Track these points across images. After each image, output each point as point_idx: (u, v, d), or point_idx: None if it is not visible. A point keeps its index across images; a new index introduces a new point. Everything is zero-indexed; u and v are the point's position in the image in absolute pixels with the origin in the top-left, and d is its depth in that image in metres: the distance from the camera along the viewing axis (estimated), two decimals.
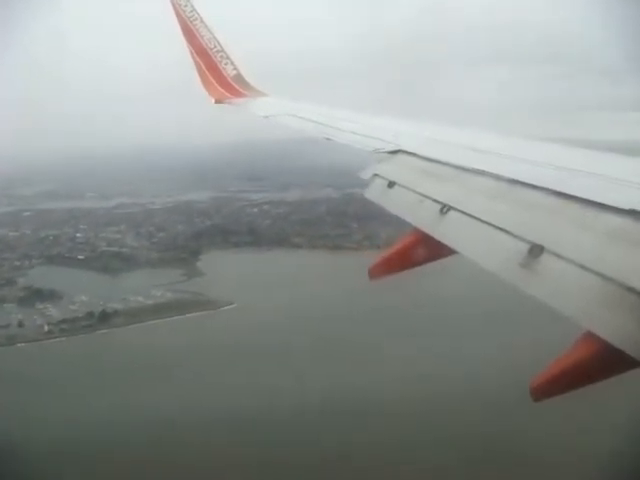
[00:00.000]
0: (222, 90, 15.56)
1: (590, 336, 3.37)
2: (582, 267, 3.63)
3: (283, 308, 75.58)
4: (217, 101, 15.58)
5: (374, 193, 6.57)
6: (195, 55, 15.48)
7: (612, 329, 3.22)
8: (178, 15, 15.23)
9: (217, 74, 15.56)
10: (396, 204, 6.15)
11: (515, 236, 4.27)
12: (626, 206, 3.85)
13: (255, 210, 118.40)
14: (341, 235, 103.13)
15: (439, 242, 5.02)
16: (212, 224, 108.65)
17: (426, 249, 5.30)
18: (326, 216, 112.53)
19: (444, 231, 5.05)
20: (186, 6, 15.18)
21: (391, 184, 6.39)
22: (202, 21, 15.26)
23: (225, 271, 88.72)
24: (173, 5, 15.20)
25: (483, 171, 5.52)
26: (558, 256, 3.85)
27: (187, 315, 74.16)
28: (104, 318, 72.10)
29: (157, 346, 64.92)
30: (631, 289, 3.23)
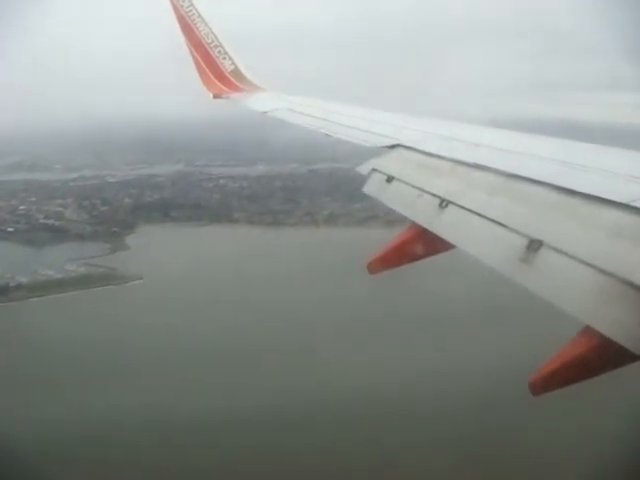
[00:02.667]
0: (220, 85, 15.75)
1: (589, 330, 3.36)
2: (581, 262, 3.60)
3: (190, 283, 74.64)
4: (215, 96, 15.73)
5: (372, 188, 6.56)
6: (193, 50, 15.62)
7: (611, 323, 3.20)
8: (176, 10, 15.35)
9: (215, 69, 15.72)
10: (394, 199, 6.17)
11: (514, 230, 4.25)
12: (625, 200, 3.83)
13: (211, 185, 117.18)
14: (284, 211, 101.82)
15: (438, 237, 5.03)
16: (160, 198, 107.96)
17: (425, 244, 5.34)
18: (279, 191, 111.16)
19: (443, 226, 5.07)
20: (184, 1, 15.30)
21: (389, 179, 6.36)
22: (200, 16, 15.42)
23: (151, 246, 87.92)
24: (171, 0, 15.33)
25: (482, 165, 5.50)
26: (557, 251, 3.82)
27: (89, 290, 73.56)
28: (3, 291, 71.94)
29: (40, 320, 64.49)
30: (630, 284, 3.20)
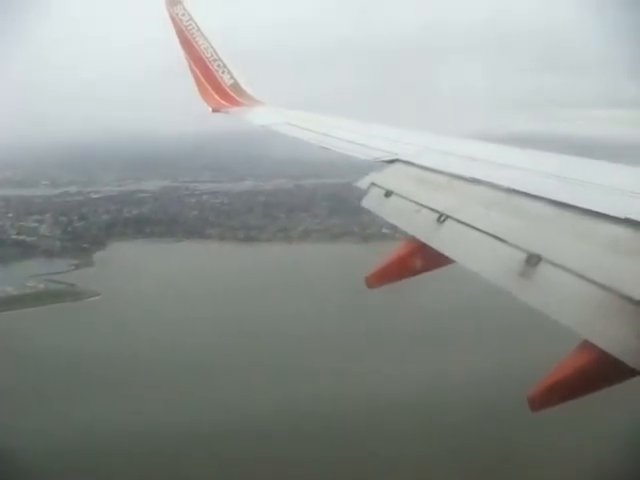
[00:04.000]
0: (219, 99, 15.76)
1: (588, 345, 3.38)
2: (580, 276, 3.63)
3: (147, 299, 73.68)
4: (214, 110, 15.74)
5: (371, 202, 6.57)
6: (192, 64, 15.67)
7: (610, 338, 3.22)
8: (175, 24, 15.42)
9: (214, 83, 15.74)
10: (393, 213, 6.18)
11: (512, 245, 4.28)
12: (623, 215, 3.85)
13: (193, 200, 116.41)
14: (259, 227, 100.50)
15: (436, 251, 5.04)
16: (138, 214, 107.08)
17: (423, 258, 5.36)
18: (259, 207, 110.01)
19: (441, 240, 5.08)
20: (183, 15, 15.35)
21: (388, 193, 6.40)
22: (199, 30, 15.51)
23: (117, 262, 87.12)
24: (170, 14, 15.38)
25: (480, 180, 5.55)
26: (555, 265, 3.85)
27: (43, 307, 72.52)
28: None
29: None
30: (629, 298, 3.23)
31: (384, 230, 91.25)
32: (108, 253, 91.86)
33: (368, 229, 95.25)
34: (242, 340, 61.94)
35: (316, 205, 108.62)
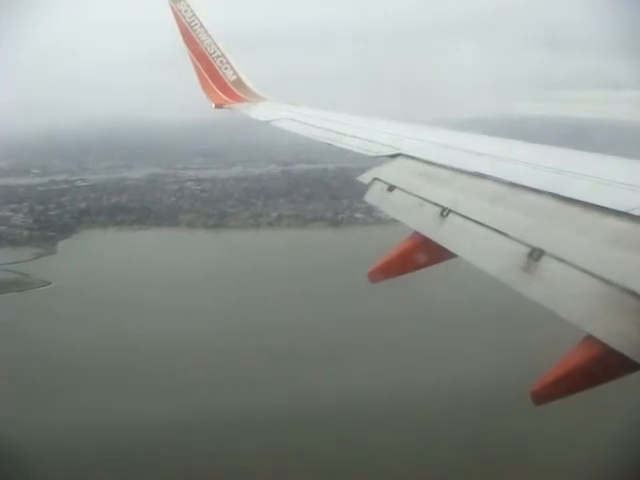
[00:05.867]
0: (222, 95, 15.95)
1: (591, 339, 3.38)
2: (582, 270, 3.62)
3: (98, 288, 72.09)
4: (217, 106, 15.91)
5: (374, 197, 6.62)
6: (195, 60, 15.84)
7: (613, 332, 3.22)
8: (178, 21, 15.54)
9: (217, 79, 15.92)
10: (396, 208, 6.19)
11: (515, 239, 4.28)
12: (625, 209, 3.86)
13: (175, 187, 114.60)
14: (232, 214, 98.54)
15: (439, 245, 5.05)
16: (116, 202, 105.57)
17: (426, 252, 5.35)
18: (239, 193, 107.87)
19: (444, 235, 5.09)
20: (186, 12, 15.47)
21: (391, 188, 6.42)
22: (202, 26, 15.61)
23: (79, 251, 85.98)
24: (173, 11, 15.52)
25: (483, 174, 5.55)
26: (558, 259, 3.84)
27: None
28: None
29: None
30: (631, 292, 3.22)
31: (357, 215, 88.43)
32: (73, 242, 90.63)
33: (341, 214, 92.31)
34: (185, 328, 60.17)
35: (297, 191, 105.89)
